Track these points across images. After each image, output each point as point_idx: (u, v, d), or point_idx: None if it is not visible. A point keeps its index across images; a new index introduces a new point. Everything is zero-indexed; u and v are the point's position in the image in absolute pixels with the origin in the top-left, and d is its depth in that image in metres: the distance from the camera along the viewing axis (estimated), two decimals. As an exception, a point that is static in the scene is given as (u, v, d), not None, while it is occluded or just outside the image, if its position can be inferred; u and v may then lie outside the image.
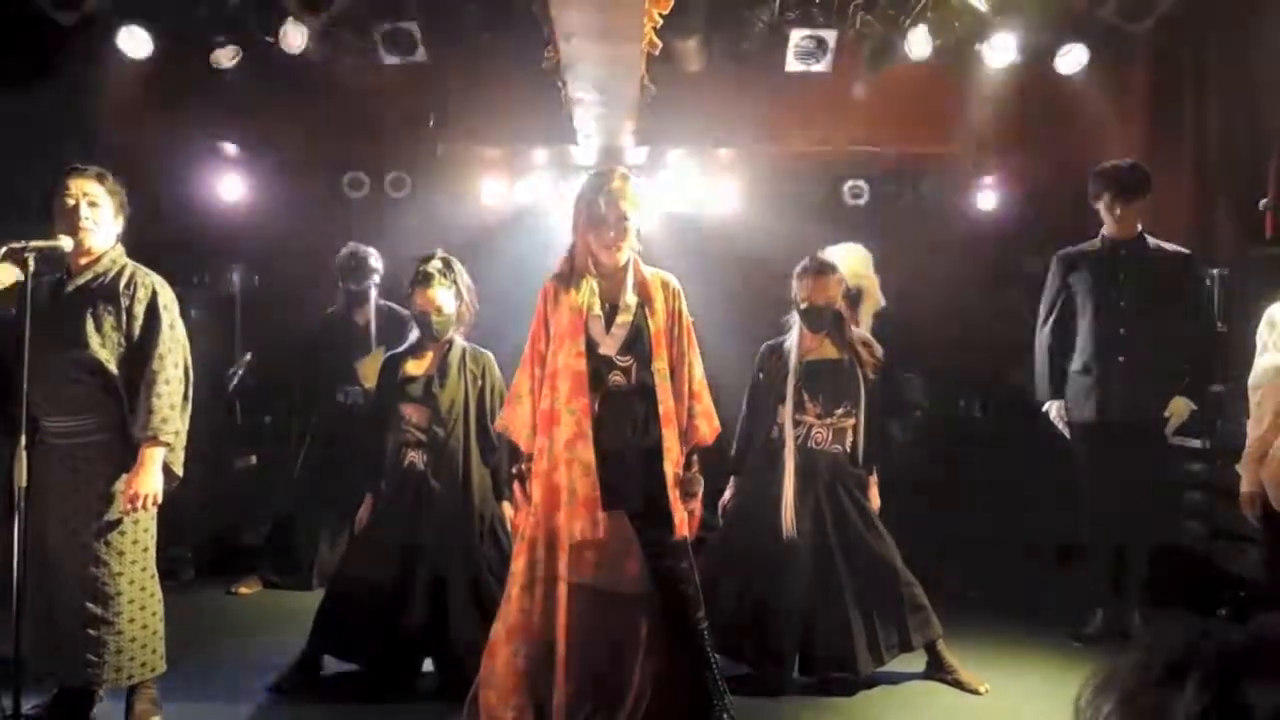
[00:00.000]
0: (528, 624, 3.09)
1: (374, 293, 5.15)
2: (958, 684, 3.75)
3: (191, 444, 3.30)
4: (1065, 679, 3.87)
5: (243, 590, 4.98)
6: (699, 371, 3.24)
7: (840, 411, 3.79)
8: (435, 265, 3.77)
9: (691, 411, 3.20)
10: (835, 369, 3.81)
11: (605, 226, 3.11)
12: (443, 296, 3.75)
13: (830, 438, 3.78)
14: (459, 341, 3.84)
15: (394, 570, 3.65)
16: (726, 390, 3.76)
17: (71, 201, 3.14)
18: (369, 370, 4.93)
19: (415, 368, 3.82)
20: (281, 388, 5.59)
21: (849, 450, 3.81)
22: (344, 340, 5.12)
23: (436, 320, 3.75)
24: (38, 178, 3.24)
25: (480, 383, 3.83)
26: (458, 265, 3.84)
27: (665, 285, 3.23)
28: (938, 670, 3.80)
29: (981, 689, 3.72)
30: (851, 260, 4.40)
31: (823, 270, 3.82)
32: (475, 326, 3.92)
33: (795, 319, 3.87)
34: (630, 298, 3.17)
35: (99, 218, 3.18)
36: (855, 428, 3.81)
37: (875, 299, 4.58)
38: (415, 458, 3.75)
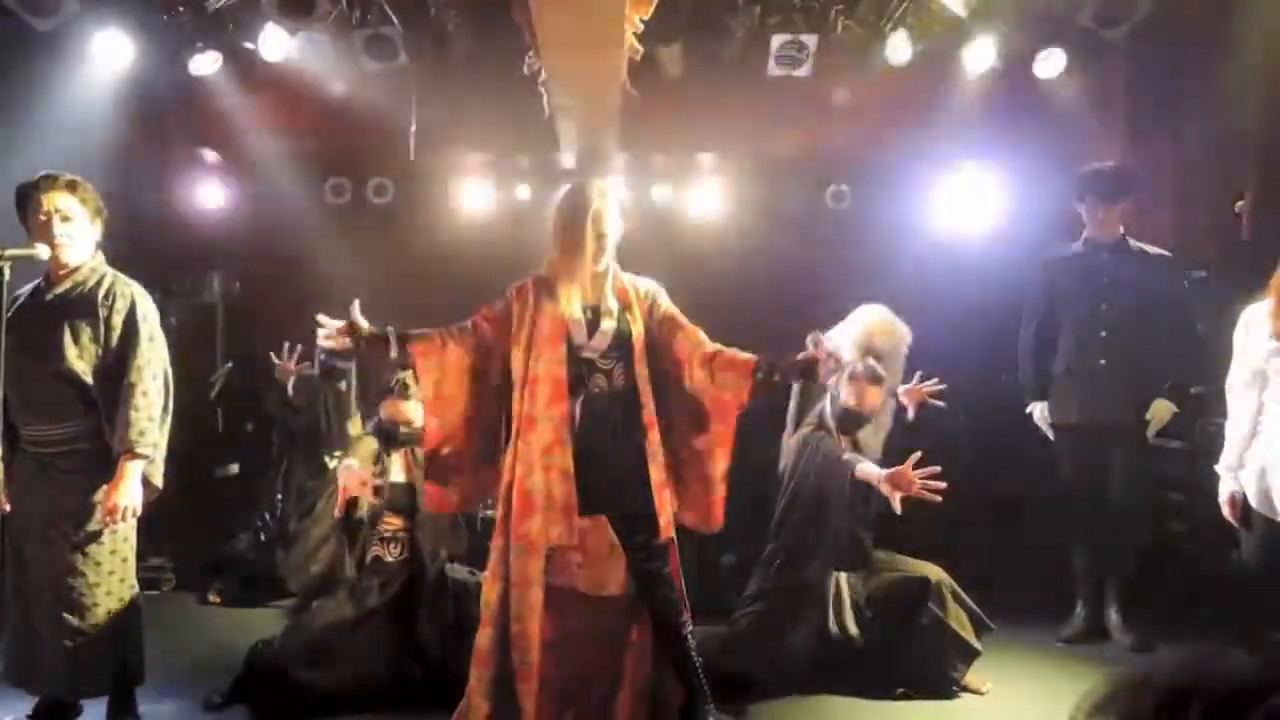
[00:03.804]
0: (510, 631, 3.07)
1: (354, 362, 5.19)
2: (959, 684, 3.77)
3: (172, 453, 3.27)
4: (1047, 678, 3.90)
5: (214, 600, 4.97)
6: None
7: None
8: (411, 375, 3.75)
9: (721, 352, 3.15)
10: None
11: (584, 243, 3.11)
12: (414, 410, 3.78)
13: None
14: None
15: (367, 636, 3.62)
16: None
17: (43, 218, 3.09)
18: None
19: (393, 473, 3.84)
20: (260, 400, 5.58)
21: None
22: (324, 405, 5.16)
23: (404, 432, 3.82)
24: (14, 185, 3.20)
25: None
26: None
27: (640, 292, 3.23)
28: None
29: (984, 689, 3.73)
30: (877, 322, 4.09)
31: (876, 379, 3.81)
32: None
33: (827, 410, 3.83)
34: (612, 302, 3.17)
35: (73, 231, 3.12)
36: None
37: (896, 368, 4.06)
38: (381, 551, 3.78)
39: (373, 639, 3.62)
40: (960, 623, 3.71)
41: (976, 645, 3.72)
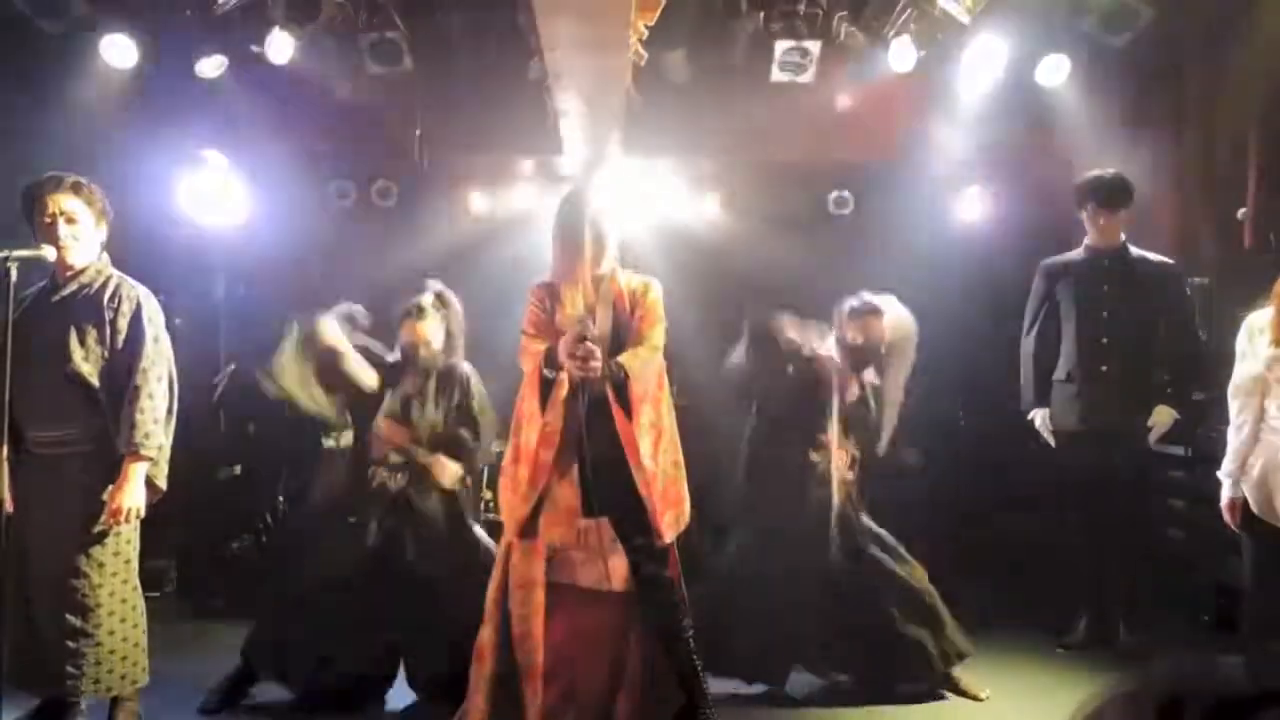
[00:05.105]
0: (511, 631, 3.09)
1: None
2: (957, 690, 3.77)
3: (174, 454, 3.28)
4: (1049, 685, 3.89)
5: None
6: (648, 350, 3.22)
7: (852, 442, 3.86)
8: (428, 299, 3.72)
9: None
10: (863, 405, 3.89)
11: (583, 248, 3.15)
12: (432, 330, 3.70)
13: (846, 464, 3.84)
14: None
15: (365, 589, 3.54)
16: (709, 390, 3.75)
17: (49, 219, 3.11)
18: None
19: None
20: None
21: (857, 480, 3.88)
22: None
23: (423, 354, 3.69)
24: (20, 186, 3.21)
25: (461, 399, 3.73)
26: (451, 297, 3.78)
27: (632, 291, 3.26)
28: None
29: (982, 695, 3.73)
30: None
31: (876, 312, 3.89)
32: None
33: (835, 352, 3.87)
34: (609, 306, 3.21)
35: (78, 233, 3.14)
36: (859, 461, 3.87)
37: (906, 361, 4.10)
38: (386, 478, 3.64)
39: (365, 593, 3.52)
40: (953, 626, 3.72)
41: (968, 647, 3.73)
